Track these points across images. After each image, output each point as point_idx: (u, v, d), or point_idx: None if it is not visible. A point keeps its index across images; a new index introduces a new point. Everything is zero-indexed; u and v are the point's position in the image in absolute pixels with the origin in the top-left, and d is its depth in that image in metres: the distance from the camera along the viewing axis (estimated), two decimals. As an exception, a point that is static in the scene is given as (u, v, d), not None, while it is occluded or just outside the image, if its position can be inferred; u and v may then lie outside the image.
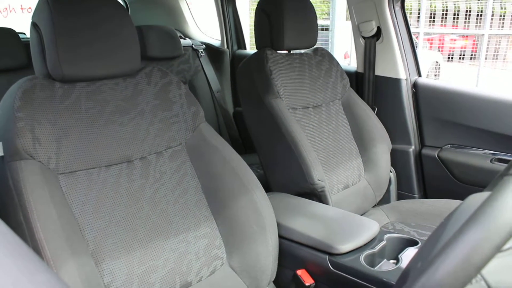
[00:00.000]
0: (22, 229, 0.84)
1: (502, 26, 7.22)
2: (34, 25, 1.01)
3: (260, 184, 1.19)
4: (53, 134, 0.95)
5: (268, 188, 1.49)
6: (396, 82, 1.90)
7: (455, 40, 8.79)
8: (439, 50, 9.09)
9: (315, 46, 1.75)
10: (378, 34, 1.90)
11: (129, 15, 1.09)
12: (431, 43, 8.85)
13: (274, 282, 1.21)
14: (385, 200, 1.84)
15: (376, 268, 1.11)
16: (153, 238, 1.05)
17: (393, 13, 1.85)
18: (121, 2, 2.90)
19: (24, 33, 2.49)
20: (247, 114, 1.64)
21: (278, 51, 1.64)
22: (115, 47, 1.04)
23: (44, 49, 0.98)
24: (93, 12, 1.01)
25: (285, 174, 1.54)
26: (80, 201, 0.97)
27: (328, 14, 6.65)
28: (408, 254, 1.15)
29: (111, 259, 0.97)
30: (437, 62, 8.99)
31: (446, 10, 7.38)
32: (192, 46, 2.55)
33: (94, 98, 1.05)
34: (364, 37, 1.94)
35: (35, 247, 0.82)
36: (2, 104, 0.96)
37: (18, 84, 0.96)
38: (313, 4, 1.68)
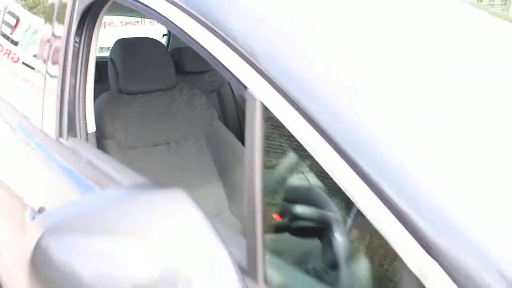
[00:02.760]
0: None
1: None
2: (111, 60, 1.67)
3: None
4: (124, 125, 1.61)
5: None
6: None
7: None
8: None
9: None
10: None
11: (167, 51, 1.74)
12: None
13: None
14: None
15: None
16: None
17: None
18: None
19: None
20: None
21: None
22: (159, 73, 1.69)
23: (118, 75, 1.64)
24: (144, 52, 1.66)
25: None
26: (137, 166, 1.61)
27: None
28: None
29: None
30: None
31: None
32: (220, 61, 3.17)
33: (147, 104, 1.70)
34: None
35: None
36: (95, 108, 1.62)
37: (104, 96, 1.62)
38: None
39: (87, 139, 1.22)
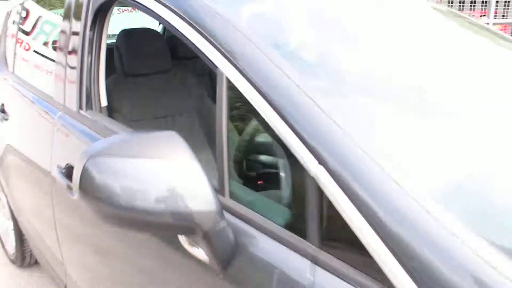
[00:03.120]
0: None
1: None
2: (116, 47, 1.98)
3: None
4: (128, 102, 1.93)
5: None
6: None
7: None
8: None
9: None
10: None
11: (163, 38, 2.04)
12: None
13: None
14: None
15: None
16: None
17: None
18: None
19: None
20: None
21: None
22: (157, 58, 2.01)
23: (123, 60, 1.95)
24: (144, 40, 1.98)
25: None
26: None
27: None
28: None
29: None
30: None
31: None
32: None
33: (147, 84, 2.02)
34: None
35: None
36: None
37: (111, 78, 1.93)
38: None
39: (100, 111, 1.54)
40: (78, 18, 1.54)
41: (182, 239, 0.96)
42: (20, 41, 2.52)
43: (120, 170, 0.84)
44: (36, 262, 2.58)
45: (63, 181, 1.40)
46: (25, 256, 2.61)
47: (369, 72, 1.05)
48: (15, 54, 2.44)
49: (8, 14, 2.71)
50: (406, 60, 1.18)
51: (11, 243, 2.70)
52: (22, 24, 2.52)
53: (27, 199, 2.10)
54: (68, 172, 1.42)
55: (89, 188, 0.85)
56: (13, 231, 2.61)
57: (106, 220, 0.88)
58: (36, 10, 2.48)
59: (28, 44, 2.47)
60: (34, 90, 1.97)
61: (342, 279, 0.76)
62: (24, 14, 2.53)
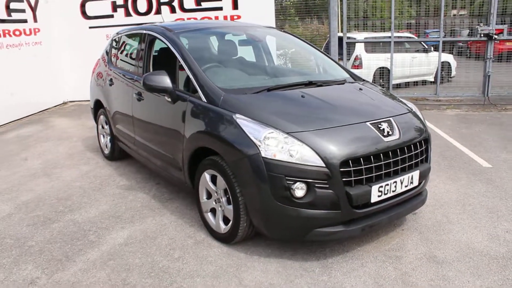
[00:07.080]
0: None
1: None
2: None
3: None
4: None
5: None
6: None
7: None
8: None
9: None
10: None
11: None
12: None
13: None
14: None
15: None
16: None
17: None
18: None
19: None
20: None
21: None
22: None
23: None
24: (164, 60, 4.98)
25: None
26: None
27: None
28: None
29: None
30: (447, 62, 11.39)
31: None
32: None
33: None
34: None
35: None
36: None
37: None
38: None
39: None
40: (142, 44, 4.55)
41: (165, 98, 3.86)
42: (115, 54, 5.58)
43: (152, 79, 3.77)
44: (118, 159, 5.61)
45: (135, 95, 4.42)
46: (114, 153, 5.61)
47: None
48: (115, 60, 5.52)
49: (111, 40, 5.79)
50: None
51: (107, 149, 5.73)
52: (116, 45, 5.60)
53: (120, 122, 5.08)
54: (138, 93, 4.41)
55: (145, 82, 3.79)
56: (109, 143, 5.61)
57: (149, 91, 3.85)
58: (123, 38, 5.52)
59: (117, 56, 5.52)
60: (124, 71, 4.98)
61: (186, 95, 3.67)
62: (118, 40, 5.61)
